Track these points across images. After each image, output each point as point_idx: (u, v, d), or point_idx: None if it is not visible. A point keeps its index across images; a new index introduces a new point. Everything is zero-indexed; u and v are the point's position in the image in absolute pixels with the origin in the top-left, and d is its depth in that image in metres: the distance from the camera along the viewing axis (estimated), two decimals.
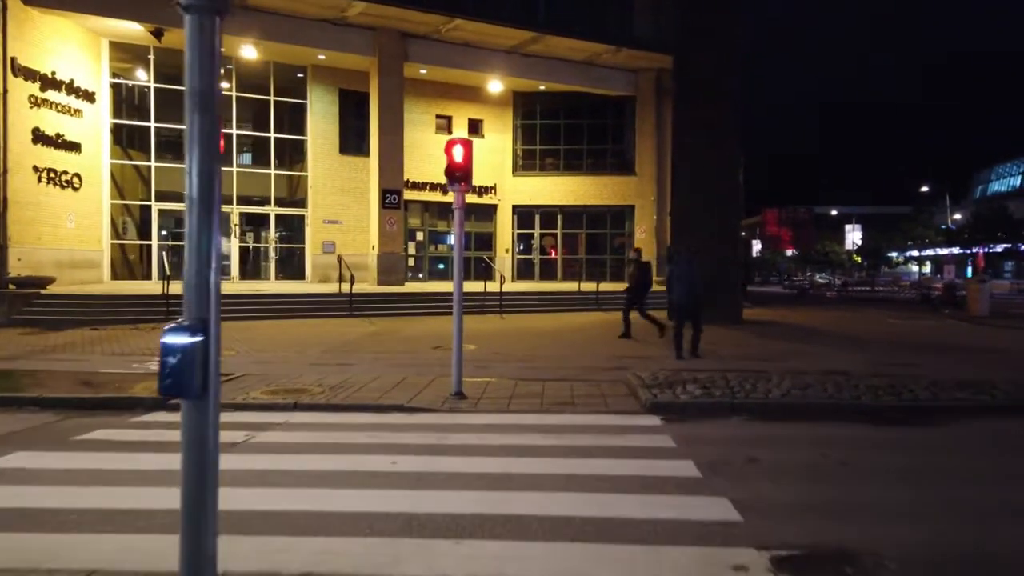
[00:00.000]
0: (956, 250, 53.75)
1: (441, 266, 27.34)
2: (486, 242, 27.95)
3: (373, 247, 22.96)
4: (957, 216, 57.13)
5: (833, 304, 28.36)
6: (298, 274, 24.56)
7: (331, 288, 19.58)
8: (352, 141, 24.61)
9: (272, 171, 23.94)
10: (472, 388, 8.51)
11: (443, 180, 27.84)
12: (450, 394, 8.04)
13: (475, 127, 27.17)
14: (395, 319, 17.71)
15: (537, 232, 28.23)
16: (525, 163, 28.06)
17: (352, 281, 18.17)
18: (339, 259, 20.17)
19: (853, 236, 73.76)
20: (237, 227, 23.27)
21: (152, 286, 20.42)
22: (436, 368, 10.11)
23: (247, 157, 24.32)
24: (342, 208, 24.64)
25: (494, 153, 27.48)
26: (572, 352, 12.31)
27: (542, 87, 26.74)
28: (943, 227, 58.11)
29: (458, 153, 8.12)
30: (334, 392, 8.16)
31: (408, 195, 25.55)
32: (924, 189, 56.38)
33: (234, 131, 23.32)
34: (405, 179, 25.15)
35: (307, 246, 24.16)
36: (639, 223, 27.45)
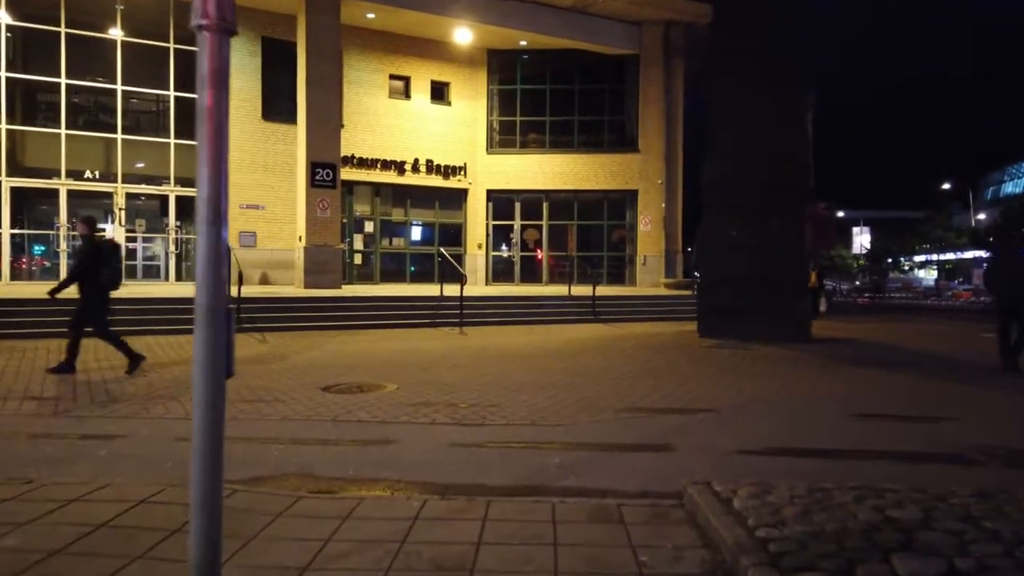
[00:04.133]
0: (983, 253, 48.95)
1: (412, 269, 21.97)
2: (454, 236, 22.58)
3: (300, 238, 17.54)
4: (981, 216, 52.35)
5: (877, 313, 23.19)
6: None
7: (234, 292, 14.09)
8: (279, 104, 19.24)
9: (172, 140, 18.50)
10: (299, 537, 3.17)
11: (400, 156, 21.09)
12: None
13: (439, 92, 21.86)
14: (305, 335, 12.30)
15: (517, 223, 22.90)
16: (502, 138, 22.74)
17: (240, 282, 12.70)
18: (227, 249, 14.66)
19: (861, 239, 68.80)
20: (122, 212, 17.79)
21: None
22: (279, 450, 4.86)
23: (137, 121, 18.86)
24: (266, 190, 19.24)
25: (463, 125, 22.17)
26: (557, 396, 6.97)
27: (523, 42, 21.48)
28: (963, 228, 53.33)
29: None
30: None
31: (354, 175, 20.25)
32: (946, 186, 51.54)
33: (119, 87, 17.87)
34: (351, 154, 19.89)
35: None
36: (643, 211, 22.19)
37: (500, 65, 22.44)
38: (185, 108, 18.80)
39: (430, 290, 16.19)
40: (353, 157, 20.09)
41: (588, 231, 23.12)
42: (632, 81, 22.29)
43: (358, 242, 20.93)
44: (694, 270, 20.47)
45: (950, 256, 54.61)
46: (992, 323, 9.83)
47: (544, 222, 22.83)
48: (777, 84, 11.22)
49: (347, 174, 19.80)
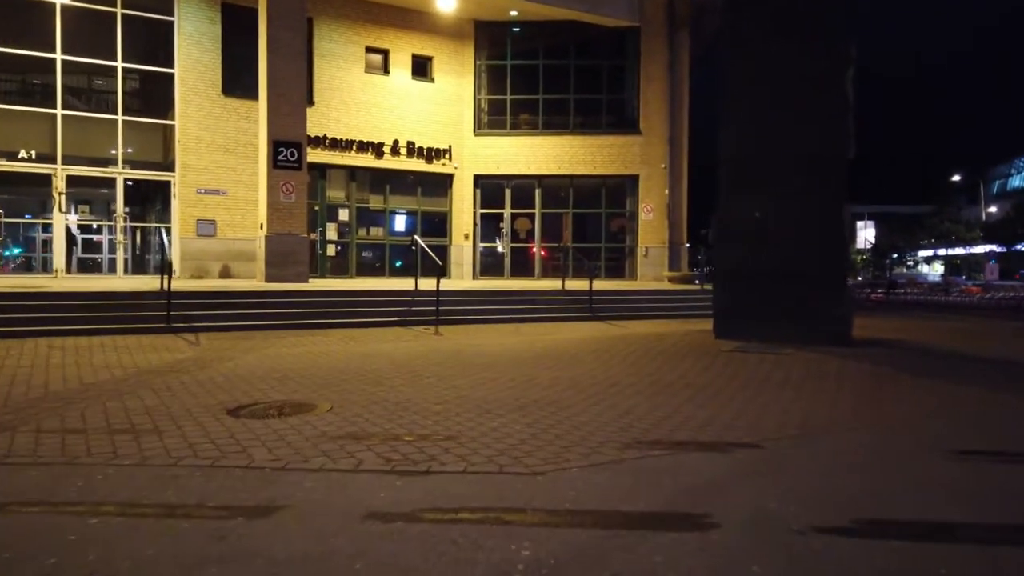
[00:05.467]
0: (995, 247, 47.30)
1: (394, 262, 20.06)
2: (438, 226, 20.71)
3: (261, 226, 15.67)
4: (993, 209, 50.61)
5: (894, 310, 21.32)
6: (162, 266, 17.19)
7: (155, 285, 12.12)
8: (242, 78, 17.33)
9: (120, 117, 16.61)
10: None
11: (379, 137, 18.62)
12: None
13: (422, 67, 19.97)
14: (250, 336, 10.45)
15: (507, 212, 21.04)
16: (491, 119, 20.88)
17: (170, 274, 10.78)
18: (162, 236, 12.84)
19: (865, 234, 67.01)
20: (63, 197, 15.89)
21: None
22: (85, 527, 2.97)
23: (80, 97, 16.95)
24: (227, 173, 17.36)
25: (448, 104, 20.30)
26: (540, 421, 5.10)
27: (513, 12, 19.60)
28: (972, 222, 51.62)
29: None
30: None
31: (326, 157, 18.39)
32: (956, 178, 49.76)
33: (58, 56, 15.98)
34: (322, 134, 18.05)
35: (175, 226, 16.81)
36: (644, 199, 20.37)
37: (488, 38, 20.55)
38: (134, 81, 16.93)
39: (410, 284, 14.33)
40: (325, 138, 18.23)
41: (585, 220, 21.26)
42: (633, 56, 20.42)
43: (331, 232, 19.06)
44: (709, 260, 18.72)
45: (959, 251, 52.89)
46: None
47: (536, 210, 20.97)
48: (808, 34, 9.39)
49: (319, 156, 17.96)
